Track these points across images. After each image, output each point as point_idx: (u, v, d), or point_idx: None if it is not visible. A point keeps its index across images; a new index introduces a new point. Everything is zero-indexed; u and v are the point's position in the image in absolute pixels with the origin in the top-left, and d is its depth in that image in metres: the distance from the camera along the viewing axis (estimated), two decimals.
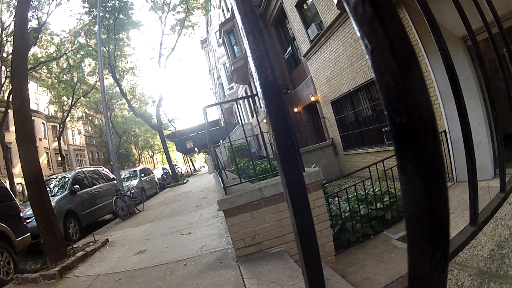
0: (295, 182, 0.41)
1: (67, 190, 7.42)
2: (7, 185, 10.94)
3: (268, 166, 4.30)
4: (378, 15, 0.27)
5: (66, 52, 17.71)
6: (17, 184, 17.41)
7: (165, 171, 20.68)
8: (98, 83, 16.93)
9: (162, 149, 24.79)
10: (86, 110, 30.79)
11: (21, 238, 5.13)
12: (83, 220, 7.47)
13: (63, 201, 7.02)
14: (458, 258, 1.71)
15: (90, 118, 31.76)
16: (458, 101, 0.93)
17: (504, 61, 1.19)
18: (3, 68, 14.67)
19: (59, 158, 24.91)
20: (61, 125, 23.06)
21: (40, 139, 26.12)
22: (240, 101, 22.56)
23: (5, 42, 14.40)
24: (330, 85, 9.14)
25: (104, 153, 36.38)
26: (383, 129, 7.29)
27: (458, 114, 0.95)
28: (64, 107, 23.36)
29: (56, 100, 22.62)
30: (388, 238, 3.69)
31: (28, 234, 5.38)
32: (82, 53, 17.48)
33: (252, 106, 17.40)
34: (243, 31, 0.43)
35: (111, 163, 10.05)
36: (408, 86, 0.28)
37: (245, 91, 20.44)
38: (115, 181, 9.53)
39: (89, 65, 21.60)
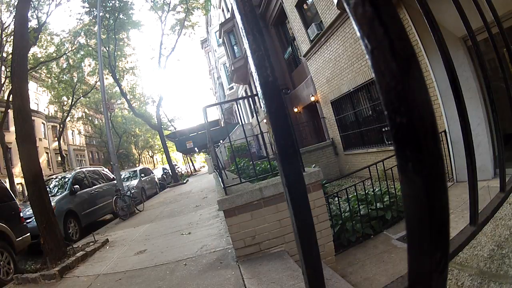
0: (295, 182, 0.41)
1: (67, 190, 7.41)
2: (7, 185, 10.94)
3: (268, 166, 4.30)
4: (378, 15, 0.27)
5: (66, 52, 17.71)
6: (17, 184, 17.41)
7: (165, 171, 20.68)
8: (98, 83, 16.93)
9: (162, 149, 24.79)
10: (86, 110, 30.80)
11: (21, 238, 5.13)
12: (83, 220, 7.47)
13: (63, 201, 7.02)
14: (458, 258, 1.71)
15: (90, 118, 31.77)
16: (458, 101, 0.92)
17: (504, 61, 1.19)
18: (3, 68, 14.66)
19: (59, 158, 24.91)
20: (61, 125, 23.07)
21: (40, 139, 26.11)
22: (240, 101, 22.57)
23: (5, 42, 14.40)
24: (330, 85, 9.14)
25: (104, 153, 36.38)
26: (383, 129, 7.29)
27: (458, 114, 0.95)
28: (64, 107, 23.39)
29: (56, 100, 22.64)
30: (388, 238, 3.69)
31: (28, 234, 5.38)
32: (82, 53, 17.48)
33: (252, 106, 17.40)
34: (243, 31, 0.43)
35: (111, 163, 10.05)
36: (408, 86, 0.28)
37: (245, 91, 20.43)
38: (115, 181, 9.53)
39: (89, 65, 21.61)
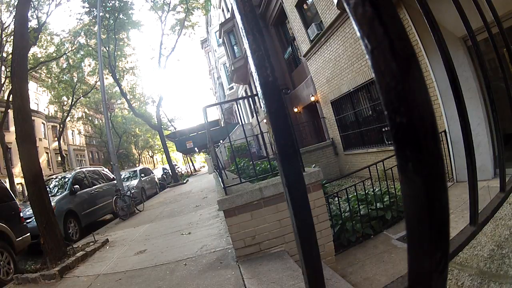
0: (295, 182, 0.41)
1: (67, 190, 7.41)
2: (7, 185, 10.94)
3: (268, 166, 4.30)
4: (378, 15, 0.27)
5: (66, 52, 17.71)
6: (17, 184, 17.40)
7: (165, 171, 20.68)
8: (98, 83, 16.93)
9: (162, 149, 24.80)
10: (86, 110, 30.81)
11: (21, 238, 5.13)
12: (83, 220, 7.47)
13: (63, 201, 7.02)
14: (458, 258, 1.70)
15: (90, 118, 31.78)
16: (458, 101, 0.92)
17: (504, 61, 1.19)
18: (3, 68, 14.66)
19: (59, 158, 24.91)
20: (61, 125, 23.07)
21: (40, 139, 26.11)
22: (240, 101, 22.56)
23: (5, 42, 14.40)
24: (330, 85, 9.14)
25: (104, 153, 36.38)
26: (383, 129, 7.29)
27: (458, 114, 0.95)
28: (64, 107, 23.39)
29: (56, 100, 22.64)
30: (388, 238, 3.69)
31: (28, 234, 5.38)
32: (82, 53, 17.48)
33: (252, 106, 17.39)
34: (243, 31, 0.43)
35: (111, 163, 10.05)
36: (408, 86, 0.28)
37: (245, 91, 20.43)
38: (115, 181, 9.53)
39: (89, 65, 21.61)
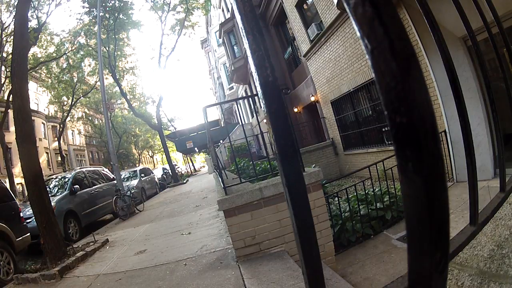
0: (295, 182, 0.41)
1: (67, 190, 7.41)
2: (7, 185, 10.94)
3: (268, 166, 4.30)
4: (378, 15, 0.27)
5: (66, 52, 17.71)
6: (17, 184, 17.40)
7: (165, 171, 20.68)
8: (98, 83, 16.94)
9: (162, 149, 24.80)
10: (86, 110, 30.81)
11: (21, 238, 5.13)
12: (83, 220, 7.48)
13: (63, 201, 7.02)
14: (458, 258, 1.70)
15: (90, 118, 31.78)
16: (458, 101, 0.92)
17: (504, 61, 1.19)
18: (3, 68, 14.66)
19: (59, 158, 24.93)
20: (61, 125, 23.09)
21: (40, 139, 26.12)
22: (240, 101, 22.55)
23: (5, 42, 14.40)
24: (330, 85, 9.14)
25: (104, 153, 36.39)
26: (383, 129, 7.29)
27: (458, 114, 0.95)
28: (64, 107, 23.40)
29: (56, 100, 22.65)
30: (388, 238, 3.69)
31: (28, 234, 5.38)
32: (82, 53, 17.48)
33: (252, 106, 17.38)
34: (243, 31, 0.43)
35: (111, 163, 10.05)
36: (408, 86, 0.28)
37: (245, 91, 20.44)
38: (115, 181, 9.53)
39: (89, 65, 21.60)
